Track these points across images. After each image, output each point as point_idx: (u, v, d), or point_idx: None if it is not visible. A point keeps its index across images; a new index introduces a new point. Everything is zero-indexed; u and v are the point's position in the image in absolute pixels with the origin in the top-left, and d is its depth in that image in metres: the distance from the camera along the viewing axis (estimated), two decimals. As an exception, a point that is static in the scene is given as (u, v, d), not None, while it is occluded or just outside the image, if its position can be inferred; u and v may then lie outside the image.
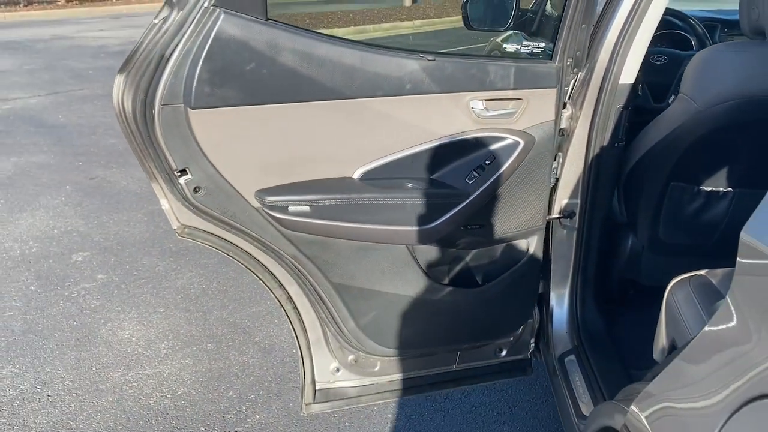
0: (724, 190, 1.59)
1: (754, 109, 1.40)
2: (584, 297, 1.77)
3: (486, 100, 1.45)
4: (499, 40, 3.82)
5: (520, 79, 1.45)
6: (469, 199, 1.51)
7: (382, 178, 1.46)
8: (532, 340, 1.85)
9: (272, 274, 1.56)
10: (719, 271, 1.39)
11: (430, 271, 1.64)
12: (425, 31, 9.91)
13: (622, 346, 1.76)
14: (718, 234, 1.67)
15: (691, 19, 2.73)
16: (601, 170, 1.61)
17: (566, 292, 1.78)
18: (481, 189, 1.51)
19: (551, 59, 1.49)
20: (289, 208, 1.42)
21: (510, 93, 1.46)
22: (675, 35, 2.68)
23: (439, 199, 1.50)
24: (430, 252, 1.62)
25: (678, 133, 1.51)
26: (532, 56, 1.64)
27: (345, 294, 1.60)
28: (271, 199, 1.41)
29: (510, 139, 1.49)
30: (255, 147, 1.36)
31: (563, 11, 1.46)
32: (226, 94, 1.27)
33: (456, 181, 1.51)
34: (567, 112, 1.56)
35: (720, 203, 1.61)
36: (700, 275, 1.38)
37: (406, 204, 1.49)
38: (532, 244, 1.67)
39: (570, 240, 1.71)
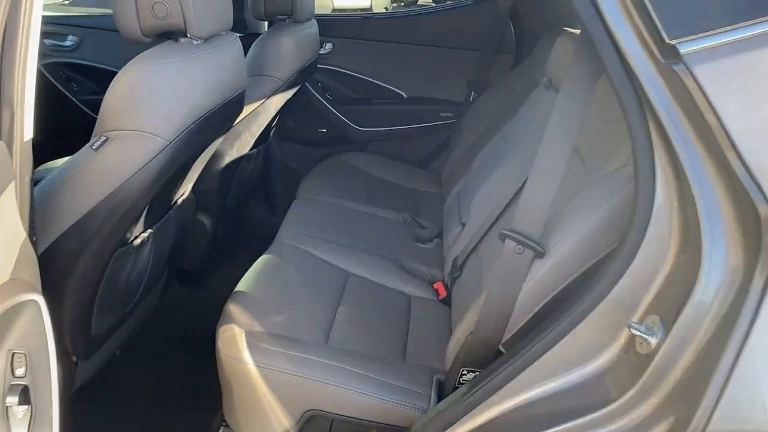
0: (147, 234, 1.41)
1: (214, 122, 1.36)
2: None
3: None
4: None
5: None
6: None
7: None
8: None
9: None
10: None
11: None
12: None
13: None
14: (141, 289, 1.53)
15: None
16: None
17: None
18: None
19: None
20: None
21: None
22: None
23: None
24: None
25: (145, 175, 1.17)
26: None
27: None
28: None
29: None
30: None
31: None
32: None
33: None
34: None
35: (145, 248, 1.42)
36: None
37: None
38: None
39: None
